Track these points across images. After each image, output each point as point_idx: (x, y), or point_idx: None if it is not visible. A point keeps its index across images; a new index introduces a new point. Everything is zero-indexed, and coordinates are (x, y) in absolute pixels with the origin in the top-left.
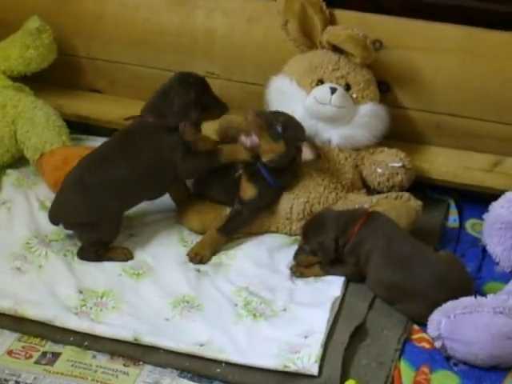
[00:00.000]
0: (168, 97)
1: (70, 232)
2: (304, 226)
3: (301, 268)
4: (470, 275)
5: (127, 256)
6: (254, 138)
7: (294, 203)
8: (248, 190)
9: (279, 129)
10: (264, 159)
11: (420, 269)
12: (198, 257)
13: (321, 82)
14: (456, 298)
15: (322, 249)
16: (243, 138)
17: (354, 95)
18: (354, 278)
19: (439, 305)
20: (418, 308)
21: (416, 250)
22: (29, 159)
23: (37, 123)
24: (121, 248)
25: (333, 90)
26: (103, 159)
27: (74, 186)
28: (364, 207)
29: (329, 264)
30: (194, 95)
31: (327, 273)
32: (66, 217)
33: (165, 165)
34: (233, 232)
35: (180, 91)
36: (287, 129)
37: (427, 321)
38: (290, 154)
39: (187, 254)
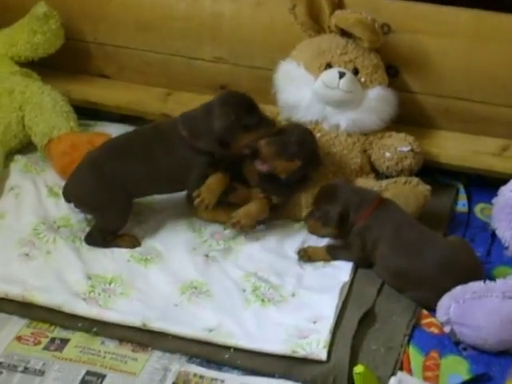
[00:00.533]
0: (209, 116)
1: (78, 218)
2: (317, 192)
3: (308, 252)
4: (479, 260)
5: (134, 244)
6: (270, 164)
7: (303, 190)
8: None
9: (294, 149)
10: (281, 176)
11: (428, 255)
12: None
13: (329, 66)
14: (465, 282)
15: (326, 218)
16: (259, 165)
17: (362, 79)
18: (361, 263)
19: (449, 290)
20: (427, 294)
21: (424, 237)
22: (36, 145)
23: (44, 109)
24: (129, 235)
25: (341, 75)
26: (126, 149)
27: (91, 168)
28: (377, 191)
29: (335, 248)
30: (233, 117)
31: (334, 257)
32: (78, 196)
33: (180, 177)
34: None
35: (220, 114)
36: (302, 146)
37: (436, 306)
38: (306, 166)
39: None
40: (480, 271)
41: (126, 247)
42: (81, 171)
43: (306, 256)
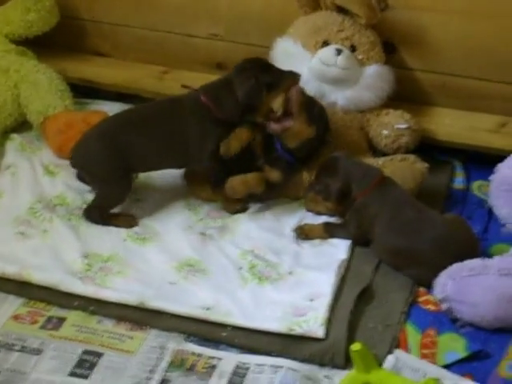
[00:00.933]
0: (230, 86)
1: (74, 196)
2: (320, 165)
3: (305, 230)
4: (476, 237)
5: (131, 224)
6: (286, 123)
7: (305, 169)
8: (273, 175)
9: (317, 114)
10: (290, 144)
11: (425, 233)
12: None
13: (326, 43)
14: (462, 260)
15: (326, 191)
16: (273, 126)
17: (360, 57)
18: (358, 241)
19: (446, 268)
20: (424, 272)
21: (421, 215)
22: (32, 123)
23: (40, 87)
24: (126, 215)
25: (338, 52)
26: (140, 121)
27: (101, 137)
28: (378, 168)
29: (332, 225)
30: (254, 80)
31: (331, 235)
32: (84, 163)
33: (194, 150)
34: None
35: (240, 80)
36: (322, 116)
37: (433, 284)
38: (315, 141)
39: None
40: (477, 249)
41: (123, 227)
42: (91, 138)
43: (303, 234)
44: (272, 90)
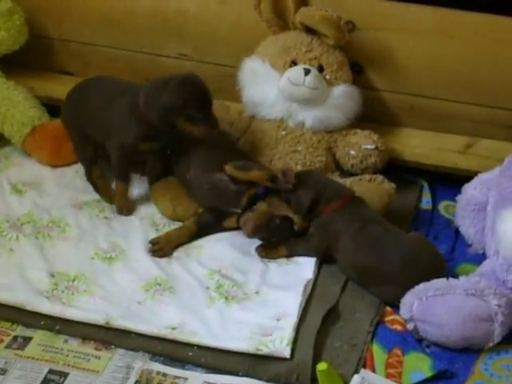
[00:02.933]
0: (163, 89)
1: (42, 214)
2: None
3: (265, 249)
4: (441, 256)
5: (110, 200)
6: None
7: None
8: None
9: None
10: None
11: (391, 251)
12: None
13: (294, 63)
14: (428, 279)
15: (297, 202)
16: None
17: (328, 77)
18: (321, 256)
19: (412, 287)
20: (390, 291)
21: (387, 233)
22: (8, 138)
23: (16, 102)
24: (110, 190)
25: (306, 71)
26: (97, 91)
27: (69, 96)
28: (352, 189)
29: (293, 242)
30: (181, 102)
31: (292, 252)
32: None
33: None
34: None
35: (171, 91)
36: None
37: (400, 303)
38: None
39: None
40: (443, 268)
41: (102, 198)
42: (67, 98)
43: (264, 252)
44: (188, 121)
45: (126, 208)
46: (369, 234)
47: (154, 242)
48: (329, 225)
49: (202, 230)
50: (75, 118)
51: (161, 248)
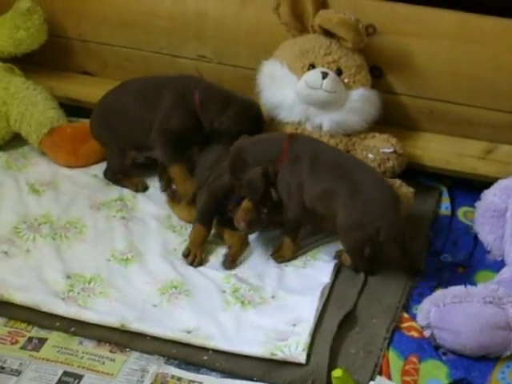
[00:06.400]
0: (224, 106)
1: (59, 214)
2: (228, 164)
3: (277, 253)
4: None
5: (137, 187)
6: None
7: None
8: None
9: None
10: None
11: (358, 172)
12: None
13: (312, 66)
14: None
15: (251, 187)
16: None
17: (346, 80)
18: (303, 220)
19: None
20: (357, 209)
21: (342, 155)
22: (27, 138)
23: (35, 102)
24: (136, 178)
25: (324, 75)
26: (133, 91)
27: (101, 103)
28: (280, 132)
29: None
30: (239, 128)
31: (294, 234)
32: (91, 128)
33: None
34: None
35: (232, 117)
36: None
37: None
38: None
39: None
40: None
41: (130, 188)
42: (96, 107)
43: (279, 258)
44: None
45: (187, 191)
46: (324, 162)
47: (185, 255)
48: (289, 180)
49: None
50: (108, 129)
51: (194, 255)
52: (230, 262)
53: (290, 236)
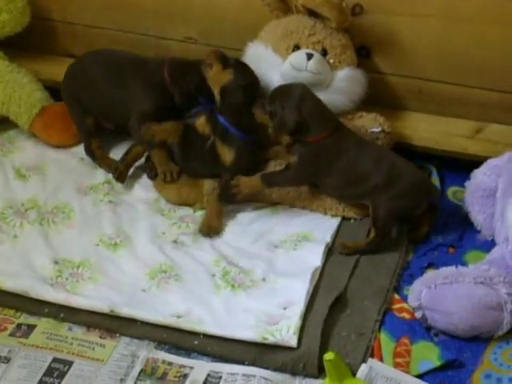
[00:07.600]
0: (187, 69)
1: (46, 199)
2: (275, 91)
3: (238, 184)
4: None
5: (111, 167)
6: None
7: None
8: (226, 155)
9: (231, 60)
10: (215, 92)
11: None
12: (212, 229)
13: (297, 47)
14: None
15: (281, 121)
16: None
17: (331, 60)
18: (299, 185)
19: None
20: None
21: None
22: (15, 119)
23: (21, 84)
24: (110, 159)
25: (309, 56)
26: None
27: (68, 71)
28: (336, 116)
29: (269, 174)
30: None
31: (270, 184)
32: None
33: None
34: (229, 200)
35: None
36: (239, 63)
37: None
38: (236, 84)
39: (200, 231)
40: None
41: (104, 169)
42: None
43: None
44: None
45: (170, 172)
46: (371, 151)
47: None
48: (320, 153)
49: None
50: (74, 92)
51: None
52: (206, 228)
53: (266, 183)
